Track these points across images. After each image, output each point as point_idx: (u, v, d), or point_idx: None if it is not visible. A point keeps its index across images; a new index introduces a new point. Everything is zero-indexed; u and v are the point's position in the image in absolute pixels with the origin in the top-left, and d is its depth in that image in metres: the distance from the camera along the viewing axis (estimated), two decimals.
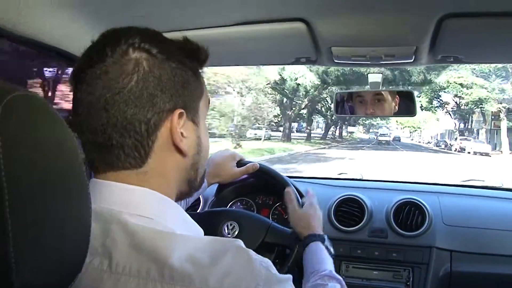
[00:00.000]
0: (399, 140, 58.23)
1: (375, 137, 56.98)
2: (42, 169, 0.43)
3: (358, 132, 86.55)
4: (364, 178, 2.27)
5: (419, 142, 64.26)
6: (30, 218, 0.41)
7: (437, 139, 53.92)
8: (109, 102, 0.63)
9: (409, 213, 1.71)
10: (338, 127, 50.40)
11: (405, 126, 79.70)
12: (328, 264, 1.13)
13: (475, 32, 1.14)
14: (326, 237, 1.21)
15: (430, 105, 40.76)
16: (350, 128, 55.78)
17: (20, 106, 0.43)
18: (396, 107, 1.59)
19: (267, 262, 0.64)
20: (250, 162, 1.47)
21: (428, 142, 54.96)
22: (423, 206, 1.71)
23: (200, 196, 1.60)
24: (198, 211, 1.60)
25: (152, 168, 0.68)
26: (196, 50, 0.72)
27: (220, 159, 1.44)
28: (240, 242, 0.64)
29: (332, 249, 1.19)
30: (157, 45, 0.67)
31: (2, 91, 0.43)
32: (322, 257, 1.14)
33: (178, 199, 0.74)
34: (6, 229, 0.39)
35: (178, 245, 0.59)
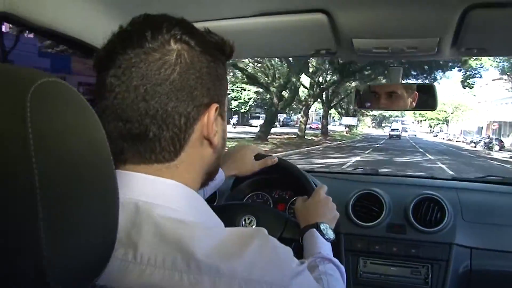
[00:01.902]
0: (415, 135, 54.61)
1: (388, 134, 52.56)
2: (72, 158, 0.42)
3: (364, 125, 79.02)
4: (379, 173, 2.24)
5: (449, 139, 50.92)
6: (60, 209, 0.41)
7: (486, 137, 38.00)
8: (149, 92, 0.62)
9: (428, 209, 1.68)
10: (321, 119, 43.89)
11: (426, 119, 72.10)
12: (321, 247, 1.10)
13: (500, 23, 1.11)
14: (321, 223, 1.17)
15: (468, 83, 32.06)
16: (346, 120, 47.27)
17: (50, 92, 0.42)
18: (414, 103, 1.57)
19: (290, 252, 0.65)
20: (269, 155, 1.46)
21: (473, 142, 38.71)
22: (442, 202, 1.68)
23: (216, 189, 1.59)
24: (214, 204, 1.60)
25: (183, 161, 0.67)
26: (222, 44, 0.71)
27: (239, 153, 1.43)
28: (264, 231, 0.63)
29: (329, 234, 1.15)
30: (194, 37, 0.66)
31: (31, 77, 0.42)
32: (314, 242, 1.12)
33: (197, 189, 0.74)
34: (37, 216, 0.38)
35: (204, 237, 0.59)
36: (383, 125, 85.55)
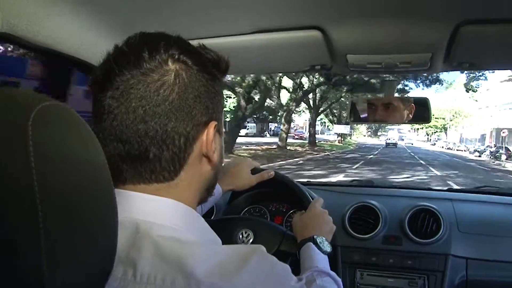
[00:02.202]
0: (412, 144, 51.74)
1: (385, 142, 50.60)
2: (73, 182, 0.43)
3: (358, 134, 74.74)
4: (375, 185, 2.25)
5: (449, 147, 47.92)
6: (61, 231, 0.41)
7: (492, 145, 34.22)
8: (149, 113, 0.62)
9: (424, 220, 1.69)
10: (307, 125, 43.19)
11: (423, 127, 66.71)
12: (318, 260, 1.11)
13: (491, 38, 1.13)
14: (318, 237, 1.18)
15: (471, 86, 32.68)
16: (338, 128, 43.85)
17: (51, 116, 0.43)
18: (410, 115, 1.58)
19: (288, 269, 0.65)
20: (265, 169, 1.47)
21: (477, 151, 35.43)
22: (437, 213, 1.69)
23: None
24: (211, 218, 1.60)
25: (182, 180, 0.68)
26: (218, 60, 0.71)
27: (235, 167, 1.43)
28: (262, 248, 0.64)
29: (325, 247, 1.16)
30: (191, 55, 0.66)
31: (33, 101, 0.42)
32: (311, 255, 1.13)
33: (196, 206, 0.74)
34: (39, 239, 0.39)
35: (204, 256, 0.59)
36: (379, 134, 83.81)
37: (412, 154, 32.08)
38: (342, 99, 31.94)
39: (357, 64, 1.27)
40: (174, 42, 0.66)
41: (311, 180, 2.28)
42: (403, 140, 63.57)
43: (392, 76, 1.54)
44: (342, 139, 45.31)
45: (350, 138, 58.53)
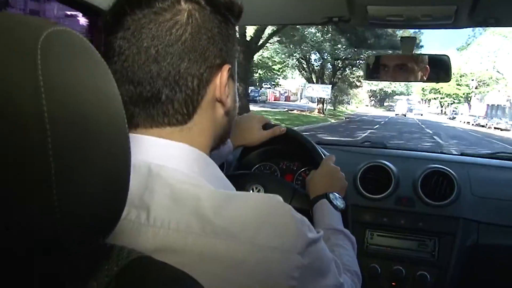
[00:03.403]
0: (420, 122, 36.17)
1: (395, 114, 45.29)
2: (84, 110, 0.41)
3: (359, 102, 64.84)
4: (388, 147, 2.22)
5: (479, 124, 37.03)
6: (72, 161, 0.39)
7: None
8: (161, 53, 0.61)
9: (437, 183, 1.67)
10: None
11: (438, 97, 56.72)
12: (332, 218, 1.10)
13: None
14: (331, 193, 1.17)
15: None
16: (312, 90, 30.37)
17: (61, 41, 0.41)
18: (424, 77, 1.54)
19: (305, 220, 0.64)
20: (277, 125, 1.44)
21: None
22: (451, 176, 1.66)
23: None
24: None
25: (196, 124, 0.66)
26: (231, 4, 0.69)
27: (246, 122, 1.41)
28: (279, 198, 0.63)
29: (338, 204, 1.16)
30: None
31: (40, 25, 0.40)
32: (324, 212, 1.12)
33: (209, 153, 0.73)
34: (49, 170, 0.37)
35: (219, 202, 0.58)
36: (385, 104, 74.86)
37: (435, 138, 20.15)
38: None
39: (377, 16, 1.21)
40: None
41: (323, 138, 2.25)
42: (411, 111, 57.32)
43: (411, 33, 1.48)
44: (324, 108, 31.92)
45: (346, 108, 51.67)
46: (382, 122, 31.93)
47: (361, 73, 30.84)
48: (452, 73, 1.52)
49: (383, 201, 1.67)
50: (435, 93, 58.69)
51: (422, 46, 30.09)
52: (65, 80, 0.40)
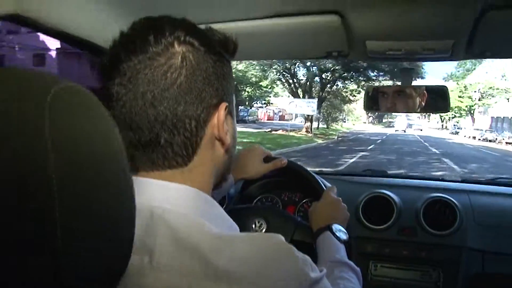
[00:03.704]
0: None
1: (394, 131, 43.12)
2: (89, 164, 0.42)
3: (355, 120, 60.21)
4: (388, 175, 2.22)
5: (486, 139, 33.09)
6: (77, 212, 0.40)
7: None
8: (157, 98, 0.61)
9: (439, 212, 1.67)
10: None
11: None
12: (336, 250, 1.10)
13: None
14: (334, 225, 1.17)
15: None
16: (295, 106, 27.44)
17: (68, 97, 0.42)
18: (423, 103, 1.55)
19: (308, 259, 0.64)
20: (278, 157, 1.45)
21: None
22: (453, 205, 1.66)
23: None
24: (224, 208, 1.59)
25: (196, 165, 0.67)
26: (225, 41, 0.69)
27: (247, 155, 1.42)
28: (281, 237, 0.62)
29: (342, 235, 1.15)
30: (197, 37, 0.65)
31: (50, 82, 0.41)
32: (329, 245, 1.12)
33: (211, 192, 0.73)
34: (55, 222, 0.38)
35: (221, 245, 0.58)
36: (384, 120, 72.55)
37: (446, 162, 15.75)
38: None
39: (376, 51, 1.23)
40: (179, 24, 0.65)
41: (323, 169, 2.25)
42: (411, 127, 55.17)
43: (409, 64, 1.50)
44: (312, 126, 28.69)
45: (341, 125, 46.50)
46: (379, 141, 27.58)
47: (354, 86, 29.71)
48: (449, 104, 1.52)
49: (386, 231, 1.66)
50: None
51: (423, 78, 29.07)
52: (72, 135, 0.41)
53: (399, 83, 1.52)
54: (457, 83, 47.10)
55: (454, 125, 50.95)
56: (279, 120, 51.69)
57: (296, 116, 41.68)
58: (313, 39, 1.23)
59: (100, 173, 0.43)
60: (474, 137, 35.75)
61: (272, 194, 1.71)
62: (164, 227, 0.59)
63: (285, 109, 48.13)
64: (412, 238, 1.65)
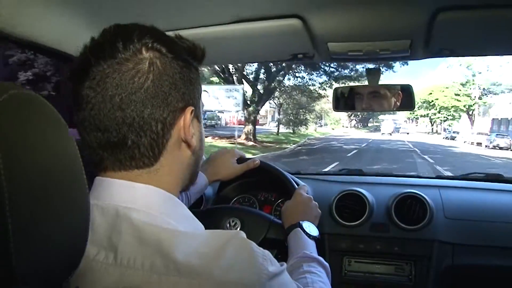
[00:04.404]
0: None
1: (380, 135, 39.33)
2: (42, 170, 0.43)
3: (336, 123, 53.37)
4: (364, 173, 2.27)
5: (495, 145, 26.27)
6: (29, 216, 0.41)
7: None
8: (125, 101, 0.64)
9: (410, 207, 1.71)
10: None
11: (428, 114, 44.90)
12: (305, 246, 1.13)
13: (470, 25, 1.14)
14: (304, 222, 1.20)
15: None
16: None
17: (19, 104, 0.43)
18: (398, 103, 1.59)
19: (268, 254, 0.65)
20: (251, 158, 1.48)
21: None
22: (424, 200, 1.71)
23: (202, 195, 1.61)
24: (200, 209, 1.62)
25: (163, 166, 0.69)
26: (194, 49, 0.72)
27: (220, 157, 1.45)
28: (242, 234, 0.65)
29: (312, 232, 1.18)
30: (165, 44, 0.68)
31: (0, 88, 0.42)
32: (298, 241, 1.15)
33: (178, 193, 0.75)
34: (6, 225, 0.39)
35: (182, 240, 0.60)
36: (369, 124, 66.85)
37: None
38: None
39: (339, 52, 1.28)
40: (147, 32, 0.67)
41: (301, 170, 2.29)
42: (398, 131, 51.47)
43: (375, 64, 1.54)
44: (253, 131, 21.21)
45: (315, 130, 41.11)
46: (354, 152, 20.97)
47: (324, 78, 24.17)
48: (416, 101, 1.57)
49: (359, 228, 1.70)
50: (426, 108, 46.64)
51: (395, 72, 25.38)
52: (23, 140, 0.41)
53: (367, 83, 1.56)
54: (453, 81, 41.86)
55: (446, 129, 44.38)
56: None
57: (272, 120, 34.82)
58: (277, 42, 1.27)
59: (54, 177, 0.44)
60: (480, 143, 28.25)
61: (249, 194, 1.74)
62: (128, 225, 0.62)
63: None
64: (385, 233, 1.69)
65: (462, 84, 41.71)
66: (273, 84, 22.46)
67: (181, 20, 1.14)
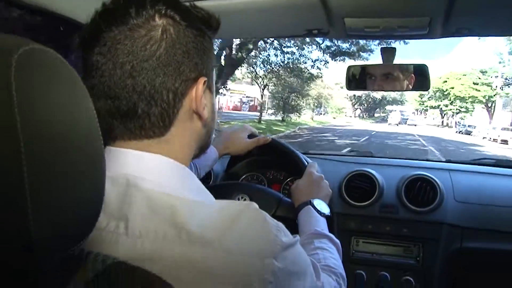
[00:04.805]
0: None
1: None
2: (59, 128, 0.42)
3: (337, 113, 48.25)
4: (374, 155, 2.26)
5: None
6: (46, 178, 0.40)
7: None
8: (136, 69, 0.63)
9: (421, 189, 1.70)
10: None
11: (440, 104, 38.74)
12: (316, 223, 1.12)
13: (492, 3, 1.11)
14: (315, 200, 1.20)
15: None
16: None
17: (36, 60, 0.41)
18: (410, 86, 1.57)
19: (281, 226, 0.65)
20: (262, 135, 1.48)
21: None
22: (434, 182, 1.70)
23: (211, 170, 1.61)
24: (208, 185, 1.61)
25: (173, 136, 0.68)
26: (208, 18, 0.71)
27: (232, 132, 1.45)
28: (255, 205, 0.64)
29: (323, 209, 1.18)
30: (179, 11, 0.66)
31: (15, 43, 0.40)
32: (309, 218, 1.15)
33: (189, 163, 0.75)
34: (24, 187, 0.38)
35: (195, 210, 0.60)
36: (376, 115, 62.86)
37: None
38: None
39: (355, 28, 1.25)
40: None
41: (310, 150, 2.27)
42: (405, 122, 47.82)
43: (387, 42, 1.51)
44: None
45: (312, 119, 37.19)
46: (347, 150, 14.83)
47: (317, 54, 22.53)
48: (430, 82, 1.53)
49: (368, 208, 1.70)
50: (438, 99, 41.28)
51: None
52: (40, 97, 0.40)
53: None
54: (471, 67, 36.66)
55: (459, 123, 39.88)
56: (248, 111, 43.77)
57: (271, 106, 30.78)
58: (292, 17, 1.24)
59: (70, 136, 0.43)
60: (504, 141, 24.10)
61: (258, 172, 1.74)
62: (139, 195, 0.61)
63: (257, 98, 36.71)
64: (394, 215, 1.69)
65: (482, 72, 37.21)
66: (240, 54, 17.31)
67: None
